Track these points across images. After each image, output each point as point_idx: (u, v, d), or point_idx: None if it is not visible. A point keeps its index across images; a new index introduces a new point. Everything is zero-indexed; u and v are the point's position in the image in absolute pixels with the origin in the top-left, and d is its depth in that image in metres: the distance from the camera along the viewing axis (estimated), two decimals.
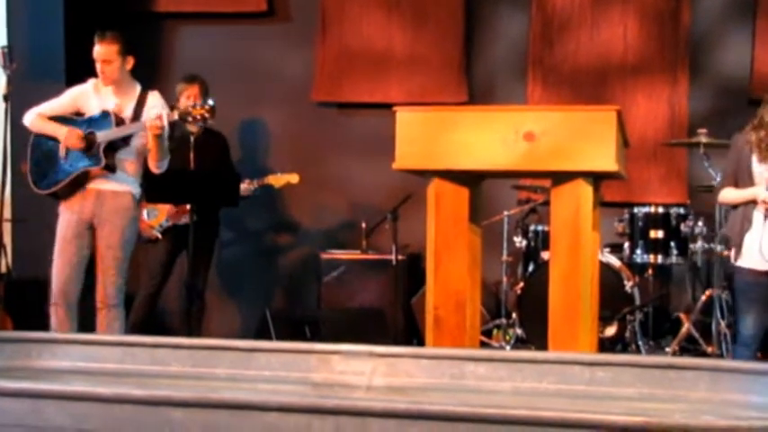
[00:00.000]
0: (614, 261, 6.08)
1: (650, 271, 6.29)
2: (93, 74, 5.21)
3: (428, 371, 2.88)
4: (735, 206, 4.62)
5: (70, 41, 6.65)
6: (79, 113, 5.15)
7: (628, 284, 6.00)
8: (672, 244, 6.09)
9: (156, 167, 5.12)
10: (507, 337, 6.28)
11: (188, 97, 6.03)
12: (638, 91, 6.81)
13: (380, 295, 6.50)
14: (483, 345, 5.85)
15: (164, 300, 6.31)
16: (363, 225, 6.74)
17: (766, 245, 4.41)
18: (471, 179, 4.02)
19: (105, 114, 5.04)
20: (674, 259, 6.13)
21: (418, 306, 6.31)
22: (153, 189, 5.51)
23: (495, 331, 6.42)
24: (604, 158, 3.73)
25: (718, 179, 5.60)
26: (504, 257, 6.45)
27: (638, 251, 6.15)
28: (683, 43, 6.77)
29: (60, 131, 5.06)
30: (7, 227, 6.27)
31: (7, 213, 5.90)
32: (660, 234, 6.11)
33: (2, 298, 5.73)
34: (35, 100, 5.33)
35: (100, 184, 5.08)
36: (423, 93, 6.93)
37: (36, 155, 5.18)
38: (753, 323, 4.50)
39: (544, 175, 4.43)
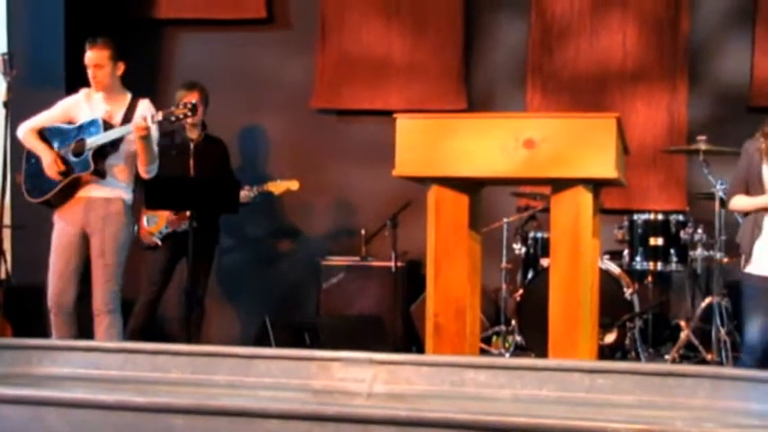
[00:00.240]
0: (614, 268, 6.08)
1: (650, 278, 6.29)
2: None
3: (428, 378, 2.87)
4: (745, 214, 4.62)
5: (70, 49, 6.65)
6: (72, 123, 5.20)
7: (627, 291, 6.00)
8: (671, 251, 6.09)
9: (144, 172, 5.16)
10: (507, 344, 6.27)
11: None
12: (637, 98, 6.82)
13: (380, 302, 6.51)
14: (482, 352, 5.85)
15: (163, 306, 6.30)
16: (363, 232, 6.74)
17: None
18: (471, 186, 4.03)
19: (95, 121, 5.09)
20: (673, 266, 6.13)
21: (417, 313, 6.31)
22: (153, 196, 5.52)
23: (494, 338, 6.41)
24: (604, 165, 3.73)
25: (718, 186, 5.63)
26: (504, 264, 6.44)
27: (638, 258, 6.15)
28: (683, 50, 6.78)
29: (45, 159, 5.11)
30: (7, 233, 6.27)
31: (7, 220, 5.90)
32: (660, 241, 6.11)
33: (1, 304, 5.72)
34: (35, 107, 5.36)
35: (90, 191, 5.12)
36: (422, 100, 6.94)
37: (29, 165, 5.25)
38: (759, 330, 4.49)
39: (544, 182, 4.44)
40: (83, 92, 5.28)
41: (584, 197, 3.82)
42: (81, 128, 5.12)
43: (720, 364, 5.62)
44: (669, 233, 6.11)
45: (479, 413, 2.18)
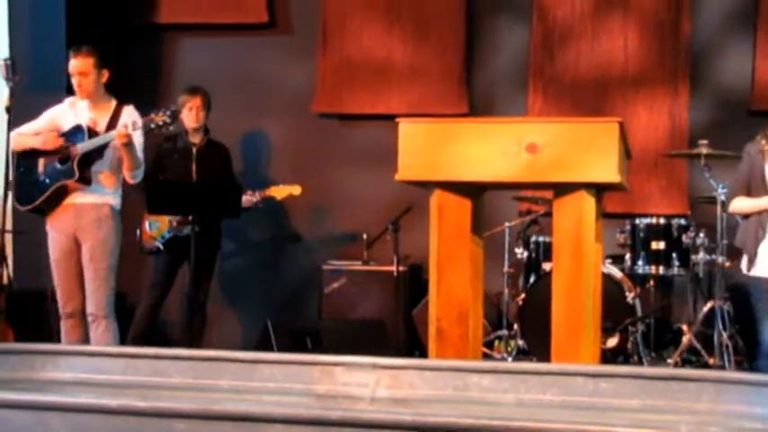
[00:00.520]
0: (616, 272, 6.08)
1: (652, 282, 6.29)
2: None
3: (431, 382, 2.87)
4: (746, 216, 4.62)
5: None
6: (58, 131, 5.26)
7: (629, 296, 6.00)
8: (673, 255, 6.09)
9: (130, 178, 5.23)
10: (509, 349, 6.27)
11: (190, 109, 6.05)
12: (638, 102, 6.82)
13: (382, 306, 6.50)
14: (484, 356, 5.85)
15: (165, 311, 6.30)
16: (364, 236, 6.74)
17: None
18: (474, 190, 4.02)
19: (79, 128, 5.17)
20: (675, 270, 6.13)
21: (420, 317, 6.30)
22: (155, 200, 5.54)
23: (496, 342, 6.41)
24: (607, 170, 3.73)
25: (720, 190, 5.62)
26: (506, 269, 6.44)
27: (640, 262, 6.15)
28: (684, 54, 6.78)
29: (38, 139, 5.21)
30: (8, 238, 6.27)
31: (8, 224, 5.90)
32: (662, 245, 6.11)
33: (3, 309, 5.73)
34: (37, 112, 5.40)
35: (78, 198, 5.20)
36: (424, 104, 6.94)
37: (18, 173, 5.31)
38: None
39: (547, 186, 4.43)
40: (68, 100, 5.36)
41: (587, 202, 3.82)
42: (66, 136, 5.19)
43: (723, 368, 5.62)
44: (671, 237, 6.11)
45: (483, 417, 2.18)
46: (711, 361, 5.78)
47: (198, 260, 5.61)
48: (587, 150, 3.73)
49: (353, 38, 7.16)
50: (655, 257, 6.13)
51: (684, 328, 6.03)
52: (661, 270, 6.13)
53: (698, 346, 5.90)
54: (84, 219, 5.17)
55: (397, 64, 7.10)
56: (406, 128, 3.90)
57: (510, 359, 6.12)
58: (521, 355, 6.17)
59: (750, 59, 6.73)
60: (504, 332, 6.36)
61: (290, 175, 6.64)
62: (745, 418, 2.61)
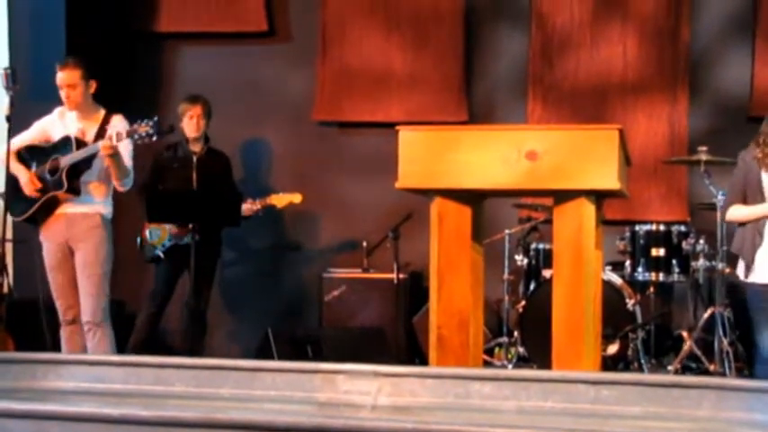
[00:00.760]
0: (616, 279, 6.08)
1: (652, 289, 6.29)
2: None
3: (433, 390, 2.87)
4: (742, 223, 4.61)
5: None
6: (49, 142, 5.32)
7: (629, 302, 6.00)
8: (673, 262, 6.10)
9: (119, 186, 5.27)
10: (509, 356, 6.27)
11: (191, 117, 6.06)
12: (638, 109, 6.83)
13: (382, 314, 6.50)
14: (485, 363, 5.84)
15: (165, 319, 6.30)
16: (364, 244, 6.74)
17: None
18: (474, 198, 4.03)
19: (67, 139, 5.20)
20: (675, 277, 6.13)
21: (420, 325, 6.30)
22: (155, 209, 5.54)
23: (497, 350, 6.41)
24: (607, 177, 3.74)
25: (719, 197, 5.63)
26: (506, 276, 6.44)
27: (640, 269, 6.16)
28: (683, 61, 6.79)
29: (21, 178, 5.25)
30: (8, 247, 6.27)
31: (8, 234, 5.90)
32: (661, 252, 6.12)
33: (3, 318, 5.72)
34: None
35: (68, 208, 5.24)
36: (423, 112, 6.95)
37: (10, 185, 5.34)
38: None
39: (546, 193, 4.44)
40: (57, 111, 5.39)
41: (587, 209, 3.82)
42: (55, 147, 5.24)
43: (723, 374, 5.61)
44: (671, 244, 6.12)
45: (485, 425, 2.18)
46: (712, 367, 5.78)
47: (198, 269, 5.61)
48: (587, 157, 3.73)
49: (353, 46, 7.17)
50: (655, 264, 6.13)
51: (685, 334, 6.03)
52: (661, 277, 6.14)
53: (698, 352, 5.89)
54: (76, 228, 5.22)
55: (396, 72, 7.11)
56: (405, 136, 3.91)
57: (510, 366, 6.12)
58: (521, 362, 6.16)
59: (749, 66, 6.74)
60: (505, 339, 6.35)
61: (290, 183, 6.64)
62: (747, 425, 2.62)
